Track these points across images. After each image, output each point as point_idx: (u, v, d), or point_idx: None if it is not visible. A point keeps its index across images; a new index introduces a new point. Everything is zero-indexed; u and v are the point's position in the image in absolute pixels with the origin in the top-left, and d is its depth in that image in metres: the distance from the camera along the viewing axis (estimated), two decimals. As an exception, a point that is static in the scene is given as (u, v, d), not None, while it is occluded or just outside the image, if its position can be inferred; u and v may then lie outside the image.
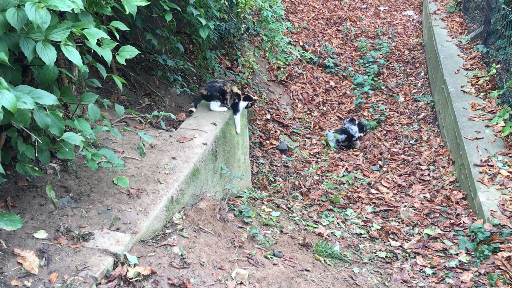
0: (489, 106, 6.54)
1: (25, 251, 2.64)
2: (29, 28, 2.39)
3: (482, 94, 6.92)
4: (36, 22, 2.22)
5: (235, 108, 4.80)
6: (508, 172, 5.17)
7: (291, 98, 8.38)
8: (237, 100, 4.79)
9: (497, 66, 6.96)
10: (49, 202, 3.03)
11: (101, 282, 2.61)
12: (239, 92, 4.84)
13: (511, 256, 4.12)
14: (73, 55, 2.41)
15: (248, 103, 4.90)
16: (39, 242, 2.76)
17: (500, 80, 6.89)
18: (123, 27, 2.92)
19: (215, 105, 4.74)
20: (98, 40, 2.66)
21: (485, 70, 7.52)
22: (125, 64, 3.12)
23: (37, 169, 2.89)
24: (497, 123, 6.05)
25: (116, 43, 2.83)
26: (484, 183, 5.08)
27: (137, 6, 3.03)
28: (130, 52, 2.94)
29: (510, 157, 5.46)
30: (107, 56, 2.67)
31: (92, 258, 2.71)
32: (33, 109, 2.36)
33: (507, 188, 4.97)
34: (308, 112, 8.25)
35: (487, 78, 7.13)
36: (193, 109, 4.64)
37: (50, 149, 2.99)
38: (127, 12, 2.89)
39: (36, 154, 2.79)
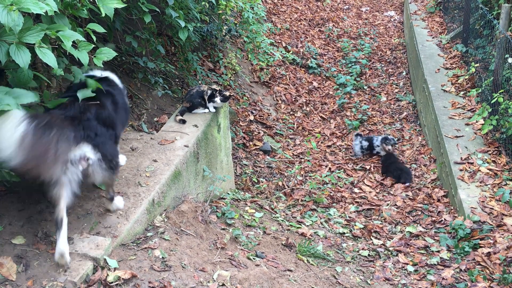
0: (468, 105, 6.63)
1: (3, 257, 2.61)
2: (2, 31, 2.36)
3: (462, 92, 7.01)
4: (8, 25, 2.19)
5: (211, 100, 4.81)
6: (487, 169, 5.25)
7: (274, 99, 8.39)
8: (214, 93, 4.82)
9: (476, 65, 7.07)
10: (27, 207, 2.99)
11: (81, 287, 2.59)
12: (217, 88, 4.87)
13: (491, 252, 4.18)
14: (47, 57, 2.38)
15: (222, 97, 4.87)
16: (17, 248, 2.72)
17: (479, 78, 6.99)
18: (100, 29, 2.90)
19: (198, 110, 4.77)
20: (74, 42, 2.64)
21: (464, 69, 7.62)
22: (103, 66, 3.09)
23: (14, 174, 2.85)
24: (476, 121, 6.14)
25: (94, 46, 2.80)
26: (465, 180, 5.15)
27: (115, 8, 3.01)
28: (107, 54, 2.92)
29: (490, 154, 5.54)
30: (84, 58, 2.64)
31: (71, 263, 2.68)
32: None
33: (486, 185, 5.04)
34: (291, 112, 8.27)
35: (467, 77, 7.23)
36: (183, 117, 4.59)
37: (27, 154, 2.95)
38: (103, 15, 2.86)
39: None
